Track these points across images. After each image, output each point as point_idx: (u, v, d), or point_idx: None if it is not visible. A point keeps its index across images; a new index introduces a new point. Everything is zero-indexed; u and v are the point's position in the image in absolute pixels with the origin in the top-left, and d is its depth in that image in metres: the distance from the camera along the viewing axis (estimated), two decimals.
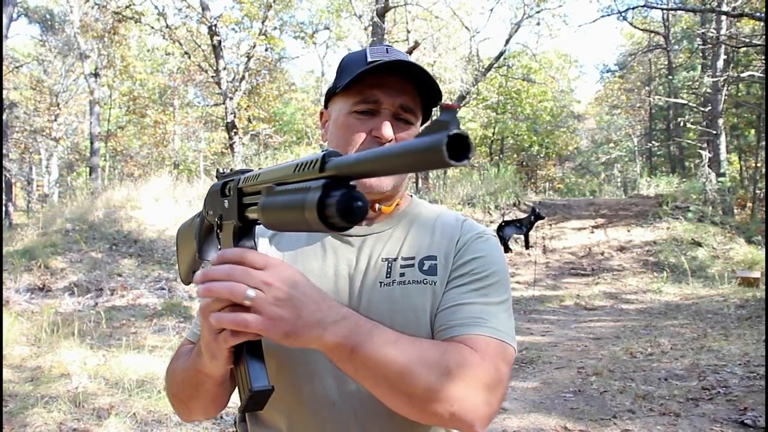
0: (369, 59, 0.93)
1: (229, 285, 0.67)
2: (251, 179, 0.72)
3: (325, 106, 1.03)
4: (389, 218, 1.02)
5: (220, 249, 0.85)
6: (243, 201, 0.75)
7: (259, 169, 0.73)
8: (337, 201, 0.52)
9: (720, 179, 13.49)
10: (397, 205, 1.02)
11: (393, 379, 0.75)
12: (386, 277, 0.93)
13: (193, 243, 0.97)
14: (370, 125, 0.93)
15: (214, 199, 0.85)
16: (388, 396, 0.77)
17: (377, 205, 0.98)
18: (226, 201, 0.79)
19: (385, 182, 0.94)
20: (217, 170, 0.87)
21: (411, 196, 1.10)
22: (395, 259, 0.96)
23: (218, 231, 0.84)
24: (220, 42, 14.51)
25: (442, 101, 0.93)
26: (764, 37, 11.77)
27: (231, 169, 0.85)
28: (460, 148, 0.42)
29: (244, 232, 0.79)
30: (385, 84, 0.93)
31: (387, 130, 0.92)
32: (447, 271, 0.94)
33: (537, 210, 9.79)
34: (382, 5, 13.26)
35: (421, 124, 1.03)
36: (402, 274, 0.93)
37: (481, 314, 0.87)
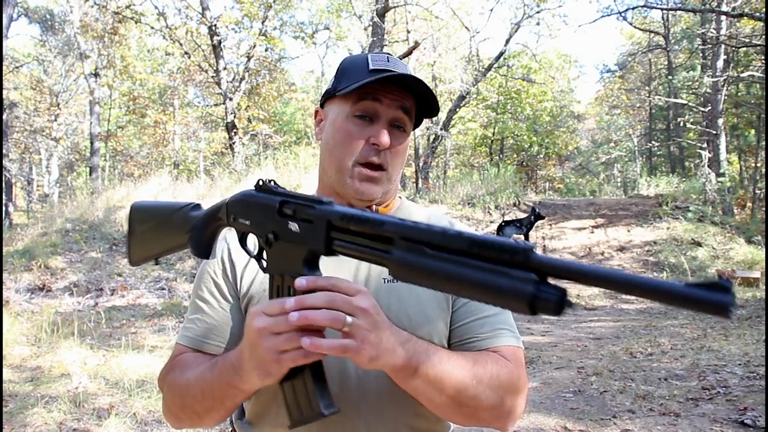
0: (371, 67, 0.97)
1: (331, 313, 0.71)
2: (362, 222, 0.71)
3: (321, 105, 1.06)
4: None
5: (265, 265, 0.84)
6: (331, 234, 0.75)
7: (367, 210, 0.74)
8: (557, 302, 0.57)
9: (720, 179, 13.48)
10: (389, 205, 1.07)
11: (450, 393, 0.83)
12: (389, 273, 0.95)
13: (172, 233, 0.96)
14: (368, 132, 0.97)
15: (259, 213, 0.83)
16: (443, 407, 0.86)
17: (374, 207, 1.03)
18: (294, 224, 0.78)
19: (374, 189, 0.98)
20: (261, 181, 0.85)
21: (400, 198, 1.13)
22: None
23: (264, 247, 0.83)
24: (220, 42, 14.51)
25: (439, 107, 1.03)
26: (764, 37, 11.78)
27: (273, 181, 0.85)
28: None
29: (315, 260, 0.79)
30: (386, 94, 0.97)
31: (385, 138, 0.96)
32: None
33: (537, 210, 9.78)
34: (382, 5, 13.26)
35: (413, 128, 1.07)
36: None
37: (503, 324, 0.98)
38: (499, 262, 0.60)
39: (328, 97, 1.03)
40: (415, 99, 0.99)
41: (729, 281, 0.52)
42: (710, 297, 0.51)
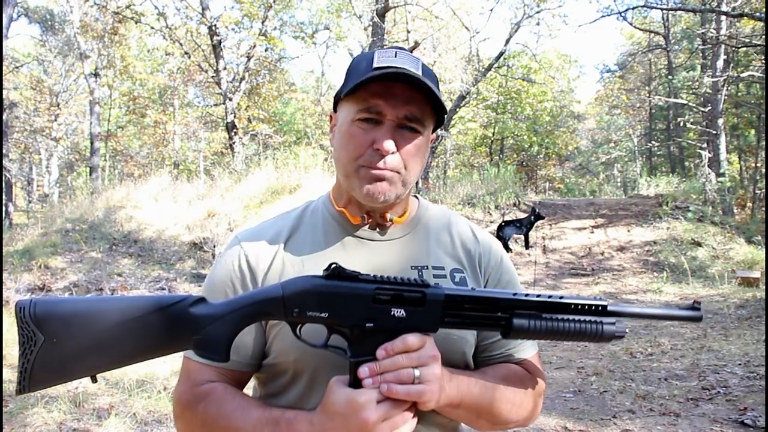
0: (375, 64, 0.90)
1: (399, 373, 0.80)
2: (476, 301, 0.85)
3: (334, 110, 1.00)
4: (402, 225, 1.03)
5: (350, 354, 0.83)
6: (445, 312, 0.85)
7: (475, 289, 0.88)
8: (625, 331, 0.90)
9: (720, 179, 13.48)
10: (404, 214, 1.03)
11: (486, 416, 0.94)
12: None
13: (153, 337, 0.78)
14: (372, 136, 0.91)
15: (345, 303, 0.81)
16: (477, 426, 0.97)
17: (388, 216, 0.99)
18: (399, 311, 0.82)
19: (385, 188, 0.93)
20: (336, 266, 0.82)
21: (416, 197, 1.10)
22: (425, 267, 0.99)
23: (350, 336, 0.83)
24: (220, 42, 14.51)
25: (445, 110, 0.97)
26: (764, 37, 11.78)
27: (337, 264, 0.82)
28: None
29: None
30: (390, 93, 0.90)
31: (387, 144, 0.90)
32: (479, 286, 1.03)
33: (537, 210, 9.78)
34: (382, 5, 13.26)
35: (434, 130, 1.00)
36: (436, 285, 0.93)
37: None
38: (590, 313, 0.88)
39: (337, 100, 0.97)
40: (426, 97, 0.91)
41: (699, 303, 0.91)
42: (690, 313, 0.91)
